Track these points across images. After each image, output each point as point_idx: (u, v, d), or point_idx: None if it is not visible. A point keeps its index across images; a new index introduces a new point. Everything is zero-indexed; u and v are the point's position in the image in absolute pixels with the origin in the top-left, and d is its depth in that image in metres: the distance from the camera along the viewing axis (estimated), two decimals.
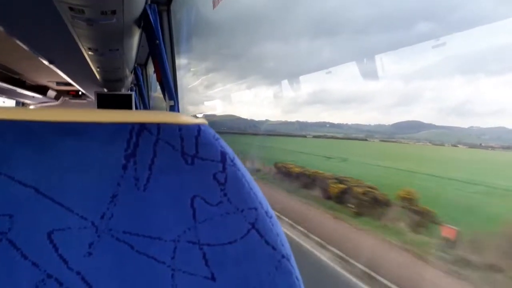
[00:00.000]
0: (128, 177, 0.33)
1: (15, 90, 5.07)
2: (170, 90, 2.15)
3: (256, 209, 0.36)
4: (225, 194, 0.35)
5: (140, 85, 4.05)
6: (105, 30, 1.86)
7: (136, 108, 4.26)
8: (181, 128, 0.35)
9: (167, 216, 0.34)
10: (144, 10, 1.86)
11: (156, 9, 2.01)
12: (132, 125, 0.34)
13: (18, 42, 2.52)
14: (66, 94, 7.05)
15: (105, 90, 4.51)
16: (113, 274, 0.33)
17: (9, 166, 0.31)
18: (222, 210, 0.35)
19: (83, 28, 1.78)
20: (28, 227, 0.31)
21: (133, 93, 4.00)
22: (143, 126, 0.34)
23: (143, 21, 1.97)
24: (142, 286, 0.33)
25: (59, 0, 1.40)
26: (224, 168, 0.35)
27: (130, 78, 4.03)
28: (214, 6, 1.34)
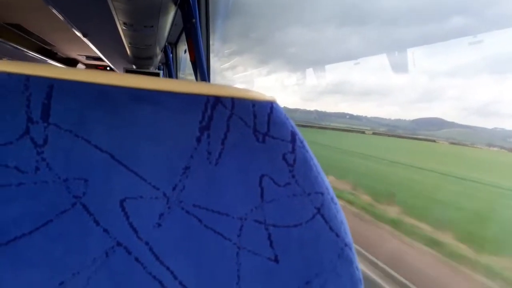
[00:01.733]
0: (201, 150, 0.33)
1: (46, 61, 5.15)
2: (203, 71, 2.13)
3: (322, 194, 0.36)
4: (293, 176, 0.35)
5: (169, 64, 4.05)
6: (142, 6, 1.85)
7: None
8: (254, 104, 0.34)
9: (236, 193, 0.34)
10: None
11: None
12: (207, 97, 0.33)
13: (54, 12, 2.54)
14: (95, 69, 7.13)
15: (134, 67, 4.54)
16: (180, 247, 0.32)
17: (86, 129, 0.30)
18: (289, 192, 0.35)
19: (121, 2, 1.77)
20: (102, 193, 0.31)
21: (161, 72, 4.01)
22: (218, 100, 0.33)
23: None
24: (207, 261, 0.33)
25: None
26: (293, 149, 0.35)
27: (159, 56, 4.03)
28: None
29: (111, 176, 0.31)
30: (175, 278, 0.32)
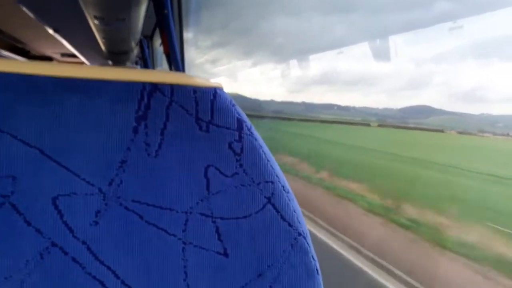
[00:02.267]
0: (139, 142, 0.31)
1: (19, 60, 5.03)
2: (177, 63, 2.11)
3: (273, 182, 0.34)
4: (240, 165, 0.33)
5: (146, 59, 3.99)
6: None
7: None
8: (196, 91, 0.32)
9: (179, 186, 0.32)
10: None
11: None
12: (143, 84, 0.31)
13: (23, 8, 2.48)
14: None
15: (110, 63, 4.46)
16: (121, 245, 0.31)
17: (12, 123, 0.29)
18: (237, 182, 0.33)
19: None
20: (32, 191, 0.29)
21: (138, 67, 3.95)
22: (155, 87, 0.31)
23: None
24: (150, 259, 0.32)
25: None
26: (240, 137, 0.33)
27: (135, 51, 3.97)
28: None
29: (41, 172, 0.29)
30: (117, 277, 0.31)
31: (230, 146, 0.33)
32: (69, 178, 0.30)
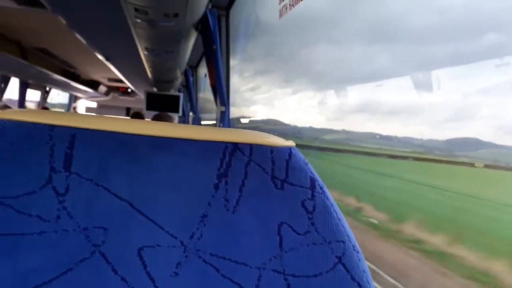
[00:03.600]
0: (219, 198, 0.32)
1: (70, 83, 5.28)
2: (222, 96, 2.13)
3: (344, 242, 0.34)
4: (312, 224, 0.33)
5: (190, 88, 4.09)
6: (164, 32, 1.87)
7: (183, 109, 4.31)
8: (272, 151, 0.33)
9: (254, 242, 0.33)
10: (205, 14, 1.85)
11: (216, 14, 2.00)
12: (226, 144, 0.33)
13: (78, 37, 2.60)
14: (116, 91, 7.30)
15: (155, 89, 4.60)
16: None
17: (106, 178, 0.31)
18: (309, 240, 0.33)
19: (143, 28, 1.79)
20: (120, 241, 0.31)
21: (181, 95, 4.04)
22: (236, 146, 0.33)
23: (201, 25, 1.97)
24: None
25: (126, 0, 1.41)
26: (313, 196, 0.34)
27: (180, 79, 4.08)
28: (280, 15, 1.29)
29: (129, 224, 0.31)
30: None
31: (303, 204, 0.33)
32: (154, 230, 0.31)
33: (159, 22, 1.66)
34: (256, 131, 0.35)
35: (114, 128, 0.31)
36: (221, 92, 2.11)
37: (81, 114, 0.33)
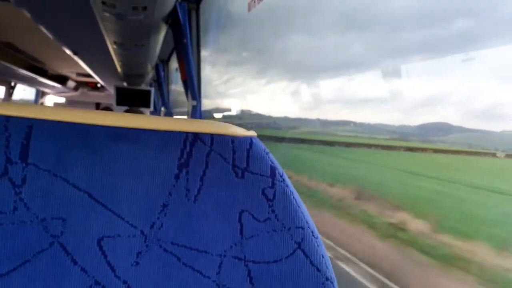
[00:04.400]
0: (180, 187, 0.33)
1: (36, 78, 5.12)
2: (193, 90, 2.12)
3: (303, 228, 0.35)
4: (273, 211, 0.35)
5: (161, 82, 4.04)
6: (133, 26, 1.85)
7: (154, 104, 4.26)
8: (233, 140, 0.34)
9: (215, 230, 0.33)
10: (174, 7, 1.83)
11: (186, 7, 1.98)
12: (186, 134, 0.33)
13: (45, 31, 2.53)
14: (85, 86, 7.11)
15: (125, 84, 4.52)
16: (159, 285, 0.32)
17: (65, 168, 0.31)
18: (269, 227, 0.34)
19: (111, 22, 1.76)
20: (79, 232, 0.31)
21: (152, 89, 3.99)
22: (197, 136, 0.33)
23: (171, 18, 1.95)
24: None
25: None
26: (273, 184, 0.35)
27: (151, 74, 4.02)
28: (249, 9, 1.30)
29: (89, 215, 0.31)
30: None
31: (263, 192, 0.34)
32: (114, 221, 0.32)
33: (127, 16, 1.64)
34: (218, 122, 0.36)
35: (73, 119, 0.31)
36: (192, 86, 2.10)
37: (39, 106, 0.33)
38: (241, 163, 0.34)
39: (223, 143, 0.34)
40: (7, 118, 0.30)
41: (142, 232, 0.32)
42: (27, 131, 0.30)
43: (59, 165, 0.31)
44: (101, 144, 0.32)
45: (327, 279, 0.36)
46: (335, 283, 0.37)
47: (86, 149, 0.31)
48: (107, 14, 1.63)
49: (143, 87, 4.42)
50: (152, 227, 0.32)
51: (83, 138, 0.31)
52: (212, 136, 0.34)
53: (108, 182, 0.32)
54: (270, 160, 0.35)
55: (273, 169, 0.35)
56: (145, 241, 0.32)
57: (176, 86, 4.44)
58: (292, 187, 0.36)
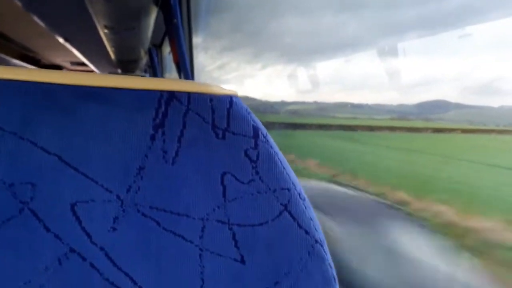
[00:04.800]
0: (156, 149, 0.31)
1: (30, 68, 5.08)
2: (186, 72, 2.11)
3: (289, 189, 0.34)
4: (257, 172, 0.33)
5: (155, 67, 4.02)
6: (122, 8, 1.83)
7: None
8: (212, 99, 0.32)
9: (196, 193, 0.32)
10: None
11: None
12: (161, 93, 0.31)
13: (35, 18, 2.51)
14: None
15: (119, 71, 4.50)
16: (138, 251, 0.31)
17: (32, 131, 0.29)
18: (253, 189, 0.33)
19: (100, 4, 1.74)
20: (51, 197, 0.29)
21: (147, 75, 3.98)
22: (172, 95, 0.32)
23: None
24: (167, 265, 0.32)
25: None
26: (256, 145, 0.33)
27: (144, 59, 4.00)
28: None
29: (59, 179, 0.29)
30: (135, 283, 0.31)
31: (246, 154, 0.33)
32: (87, 185, 0.30)
33: None
34: (195, 81, 0.34)
35: (38, 78, 0.30)
36: (184, 68, 2.09)
37: (1, 66, 0.31)
38: (221, 123, 0.33)
39: (201, 102, 0.32)
40: None
41: (118, 196, 0.31)
42: None
43: (25, 127, 0.29)
44: (70, 105, 0.30)
45: (316, 241, 0.35)
46: (325, 246, 0.36)
47: (53, 110, 0.30)
48: None
49: (138, 73, 4.41)
50: (128, 191, 0.31)
51: (50, 99, 0.30)
52: (189, 94, 0.32)
53: (79, 144, 0.30)
54: (253, 120, 0.34)
55: (255, 129, 0.34)
56: (121, 206, 0.31)
57: (171, 75, 4.41)
58: (277, 148, 0.35)
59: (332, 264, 0.37)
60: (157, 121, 0.31)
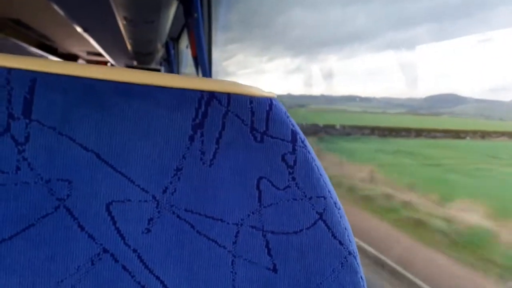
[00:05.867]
0: (194, 150, 0.30)
1: (47, 57, 5.14)
2: (204, 66, 2.10)
3: (325, 198, 0.33)
4: (293, 178, 0.32)
5: (171, 61, 4.02)
6: (142, 0, 1.82)
7: None
8: (252, 101, 0.31)
9: (232, 197, 0.31)
10: None
11: None
12: (202, 93, 0.30)
13: (55, 7, 2.52)
14: (95, 64, 7.13)
15: (135, 63, 4.52)
16: (171, 254, 0.30)
17: (71, 126, 0.28)
18: (289, 196, 0.32)
19: None
20: (87, 195, 0.29)
21: (162, 68, 3.98)
22: (213, 95, 0.31)
23: None
24: (200, 270, 0.31)
25: None
26: (294, 149, 0.32)
27: (161, 52, 4.01)
28: None
29: (96, 177, 0.29)
30: (165, 287, 0.30)
31: (283, 158, 0.32)
32: (124, 184, 0.29)
33: None
34: (235, 81, 0.33)
35: (79, 73, 0.29)
36: (203, 63, 2.08)
37: (43, 58, 0.30)
38: (260, 126, 0.32)
39: (241, 103, 0.31)
40: (9, 71, 0.28)
41: (154, 197, 0.30)
42: (31, 84, 0.28)
43: (64, 122, 0.28)
44: (110, 101, 0.29)
45: (349, 253, 0.34)
46: (358, 258, 0.35)
47: (93, 106, 0.29)
48: None
49: (153, 66, 4.42)
50: (164, 192, 0.30)
51: (90, 94, 0.29)
52: (229, 95, 0.31)
53: (117, 142, 0.29)
54: (291, 124, 0.33)
55: (294, 133, 0.33)
56: (157, 207, 0.30)
57: (186, 69, 4.41)
58: (314, 154, 0.34)
59: (364, 277, 0.35)
60: (197, 121, 0.30)
